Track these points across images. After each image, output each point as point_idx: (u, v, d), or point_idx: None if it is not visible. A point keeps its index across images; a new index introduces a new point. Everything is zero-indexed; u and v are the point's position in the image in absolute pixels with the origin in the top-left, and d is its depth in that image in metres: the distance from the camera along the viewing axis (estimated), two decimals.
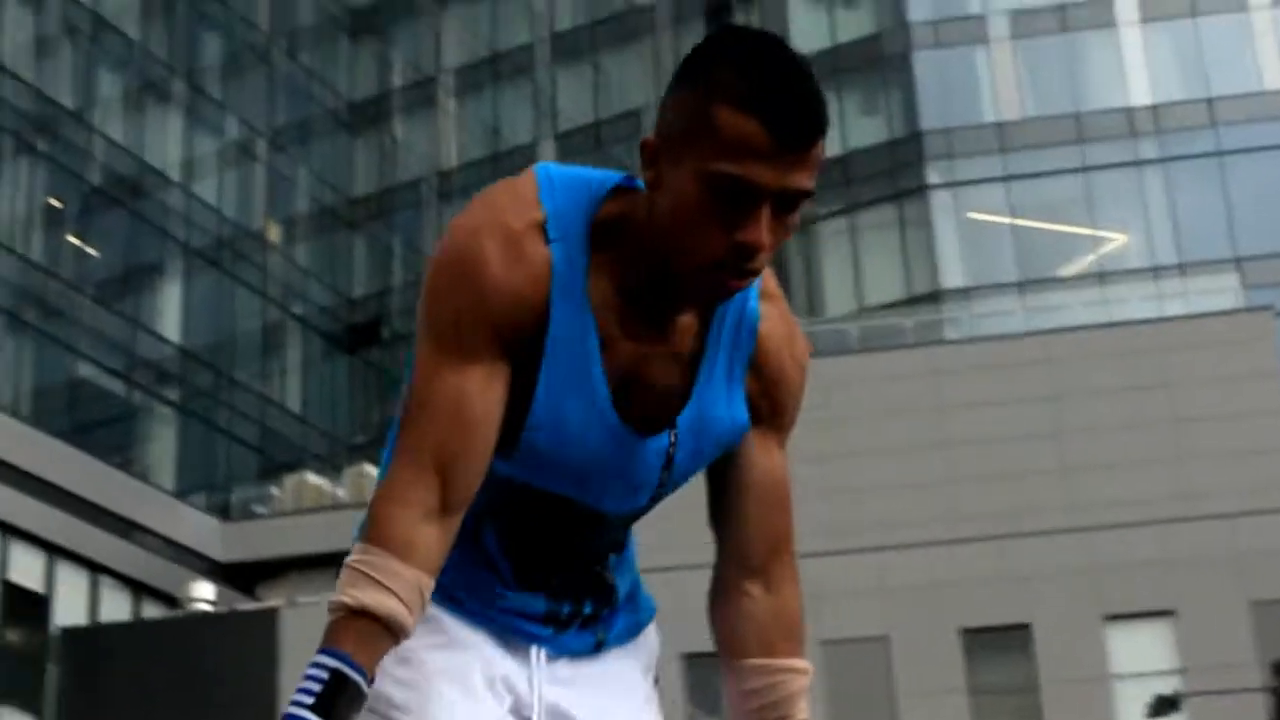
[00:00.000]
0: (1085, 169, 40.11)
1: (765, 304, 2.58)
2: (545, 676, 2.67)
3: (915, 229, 40.25)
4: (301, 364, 44.73)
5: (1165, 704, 11.25)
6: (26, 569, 34.66)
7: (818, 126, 2.31)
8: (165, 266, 42.36)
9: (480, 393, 2.41)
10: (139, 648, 32.50)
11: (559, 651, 2.68)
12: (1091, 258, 39.68)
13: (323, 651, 2.31)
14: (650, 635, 2.85)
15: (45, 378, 39.12)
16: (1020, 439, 31.16)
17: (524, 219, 2.45)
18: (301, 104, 47.10)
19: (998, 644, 29.55)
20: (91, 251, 40.83)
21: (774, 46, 2.35)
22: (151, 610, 36.32)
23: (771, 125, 2.29)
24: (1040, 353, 31.97)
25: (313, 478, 40.00)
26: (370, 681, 2.32)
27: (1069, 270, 39.64)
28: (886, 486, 31.31)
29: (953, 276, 39.46)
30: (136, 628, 34.63)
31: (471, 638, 2.62)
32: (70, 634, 33.08)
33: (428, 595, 2.38)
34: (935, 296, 38.87)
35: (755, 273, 2.37)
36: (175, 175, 43.00)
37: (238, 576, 38.03)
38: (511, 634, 2.65)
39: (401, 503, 2.37)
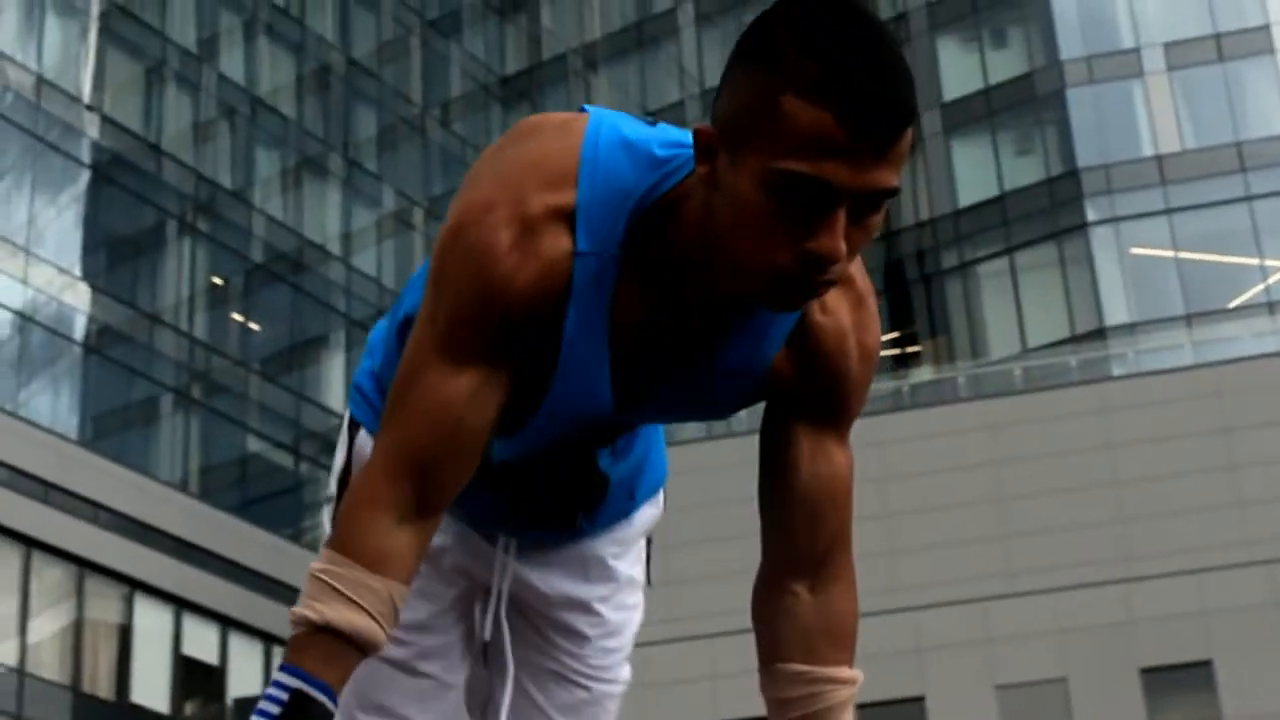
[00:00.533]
0: (1249, 198, 39.34)
1: (836, 291, 2.24)
2: (515, 555, 2.53)
3: (1076, 267, 39.68)
4: None
5: None
6: (201, 642, 35.05)
7: (904, 117, 1.96)
8: (328, 339, 42.82)
9: (471, 398, 2.16)
10: None
11: (531, 541, 2.53)
12: (1260, 287, 38.86)
13: (284, 669, 2.12)
14: (644, 514, 2.65)
15: (214, 454, 39.64)
16: (1193, 474, 30.50)
17: (547, 202, 2.14)
18: (456, 171, 47.45)
19: (1179, 682, 28.89)
20: (255, 327, 41.39)
21: (853, 18, 1.97)
22: None
23: (849, 118, 1.93)
24: (1210, 386, 31.31)
25: None
26: (335, 700, 2.11)
27: (1237, 301, 38.86)
28: (1058, 527, 30.77)
29: (1117, 313, 38.82)
30: None
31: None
32: (244, 704, 33.34)
33: (401, 604, 2.16)
34: (1100, 334, 38.26)
35: (829, 286, 2.03)
36: (335, 249, 43.50)
37: None
38: (480, 530, 2.50)
39: (373, 506, 2.13)
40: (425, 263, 2.30)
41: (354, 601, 2.12)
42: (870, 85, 1.92)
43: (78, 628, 33.27)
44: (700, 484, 32.36)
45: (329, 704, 2.11)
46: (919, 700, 29.34)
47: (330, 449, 41.29)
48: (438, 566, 2.57)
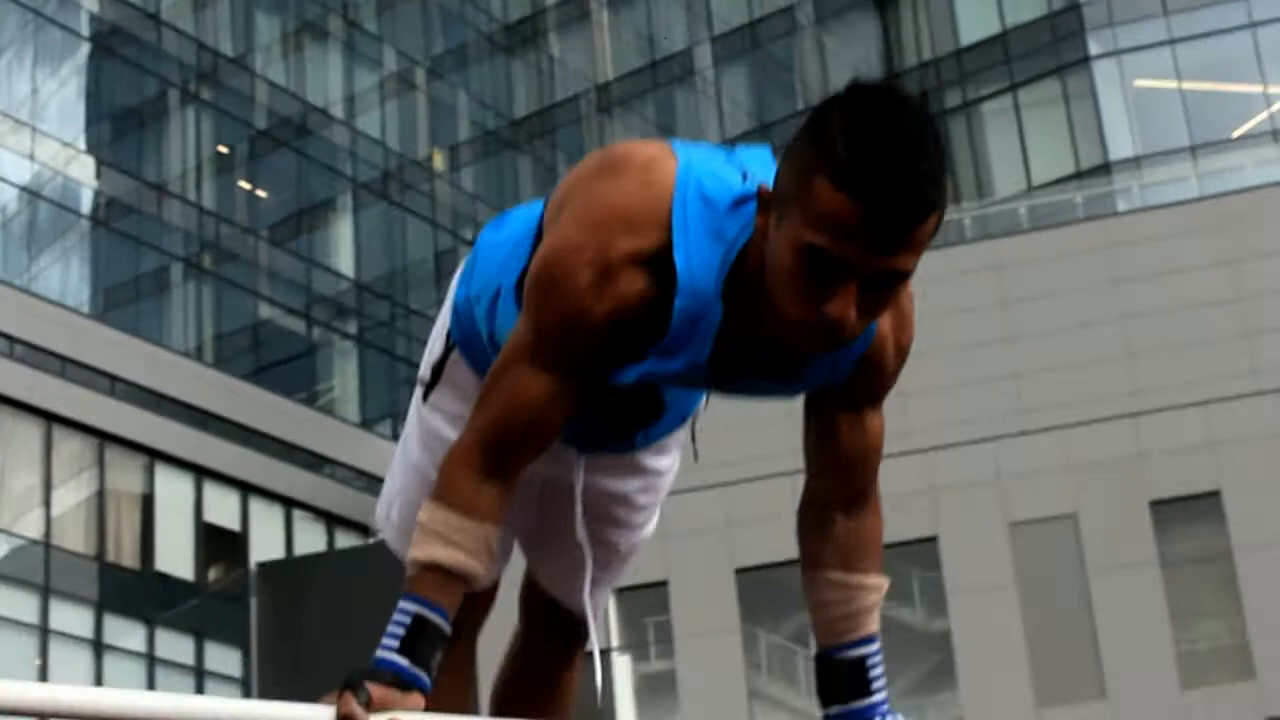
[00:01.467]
0: (1252, 25, 39.06)
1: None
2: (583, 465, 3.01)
3: (1080, 102, 39.51)
4: None
5: None
6: (222, 509, 35.46)
7: (922, 211, 2.22)
8: (335, 203, 42.91)
9: (547, 400, 2.59)
10: (334, 577, 33.10)
11: (592, 451, 3.00)
12: (1264, 115, 38.70)
13: (405, 597, 2.60)
14: (686, 426, 3.13)
15: (226, 321, 39.90)
16: (1201, 306, 30.60)
17: (627, 248, 2.51)
18: (457, 30, 47.25)
19: (1188, 513, 29.14)
20: (262, 194, 41.47)
21: (900, 113, 2.25)
22: (345, 540, 36.98)
23: (868, 210, 2.21)
24: (1216, 217, 31.31)
25: None
26: (448, 622, 2.59)
27: (1241, 130, 38.72)
28: (1067, 365, 30.92)
29: (1121, 147, 38.70)
30: (331, 558, 35.28)
31: None
32: (267, 568, 33.81)
33: (494, 543, 2.63)
34: (1105, 169, 38.18)
35: (844, 343, 2.41)
36: (338, 112, 43.45)
37: None
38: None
39: (466, 469, 2.61)
40: (489, 236, 2.88)
41: (454, 542, 2.59)
42: (893, 183, 2.20)
43: (100, 499, 33.68)
44: None
45: (443, 624, 2.59)
46: (932, 540, 29.65)
47: (342, 312, 41.57)
48: None
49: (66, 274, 37.44)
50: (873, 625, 2.83)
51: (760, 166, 2.59)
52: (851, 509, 2.86)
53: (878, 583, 2.85)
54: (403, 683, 2.59)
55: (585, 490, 3.05)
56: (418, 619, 2.59)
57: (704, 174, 2.55)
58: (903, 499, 29.67)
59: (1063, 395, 30.57)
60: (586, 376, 2.62)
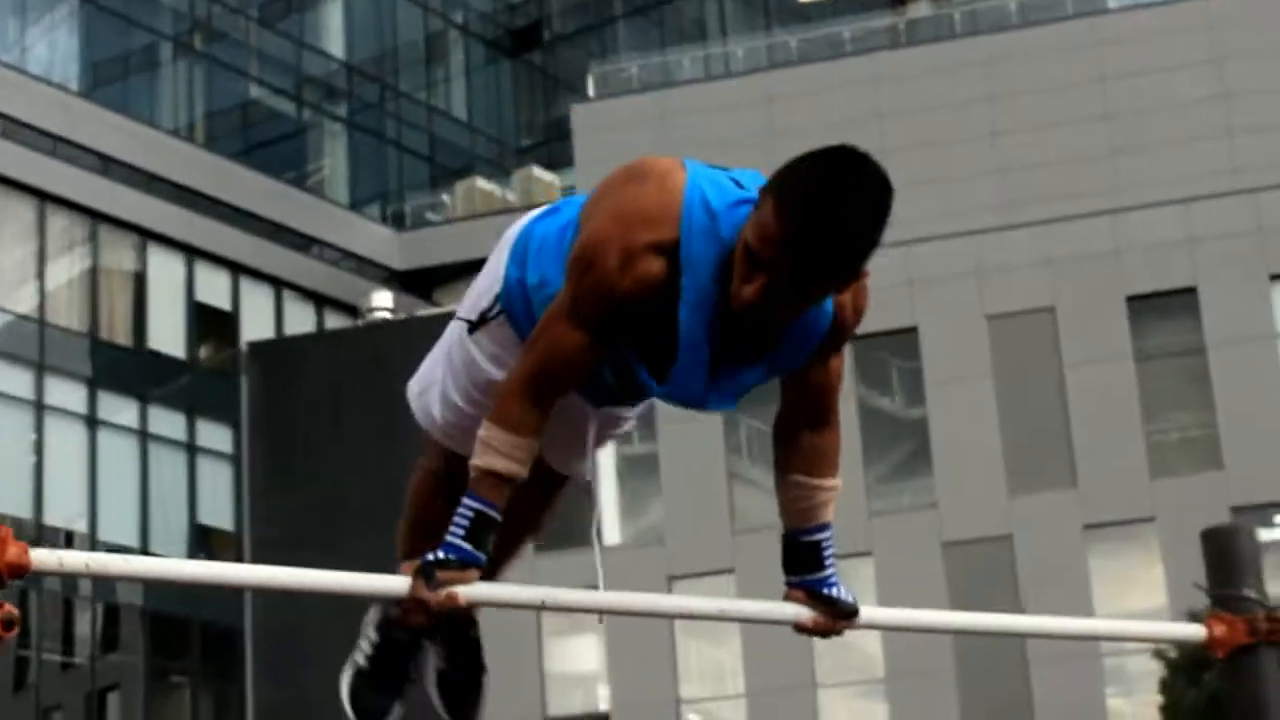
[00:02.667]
0: None
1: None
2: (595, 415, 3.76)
3: None
4: (465, 70, 45.03)
5: None
6: (213, 288, 35.79)
7: (846, 279, 3.18)
8: None
9: (581, 353, 3.34)
10: (324, 358, 33.54)
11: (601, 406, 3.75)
12: None
13: (467, 495, 3.38)
14: None
15: (216, 101, 39.95)
16: (1184, 105, 30.82)
17: (648, 239, 3.25)
18: None
19: (1163, 309, 29.61)
20: None
21: (856, 180, 3.08)
22: (334, 321, 37.39)
23: (796, 257, 3.07)
24: (1202, 17, 31.37)
25: (482, 183, 40.57)
26: (500, 513, 3.40)
27: None
28: (1050, 161, 31.21)
29: None
30: (321, 339, 35.72)
31: None
32: (258, 348, 34.19)
33: (535, 452, 3.42)
34: None
35: (743, 304, 3.16)
36: None
37: (415, 284, 38.93)
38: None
39: (516, 397, 3.39)
40: (542, 227, 3.60)
41: (506, 454, 3.38)
42: (828, 249, 3.07)
43: (92, 276, 34.00)
44: (698, 125, 32.83)
45: (496, 515, 3.39)
46: (912, 331, 30.15)
47: (331, 93, 41.60)
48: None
49: (54, 49, 37.40)
50: (827, 515, 3.65)
51: (751, 181, 3.35)
52: (815, 427, 3.58)
53: (834, 484, 3.63)
54: (464, 563, 3.35)
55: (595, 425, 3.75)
56: (479, 514, 3.37)
57: (707, 185, 3.31)
58: (883, 291, 30.11)
59: (1044, 190, 30.90)
60: (610, 339, 3.35)
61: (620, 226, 3.26)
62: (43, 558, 3.20)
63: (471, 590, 3.38)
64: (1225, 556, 4.31)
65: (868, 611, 3.75)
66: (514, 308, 3.62)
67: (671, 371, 3.38)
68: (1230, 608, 4.24)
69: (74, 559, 3.29)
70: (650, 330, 3.34)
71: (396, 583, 3.41)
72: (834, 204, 3.05)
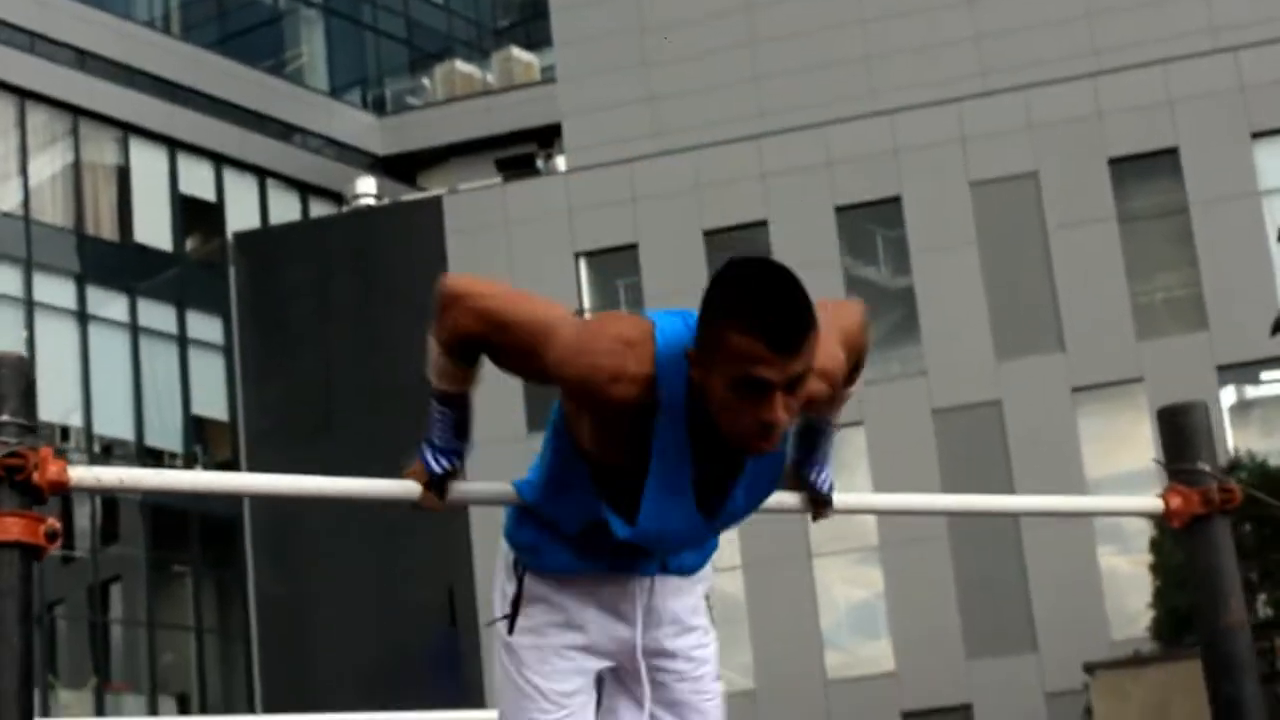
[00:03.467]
0: None
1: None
2: (642, 587, 3.76)
3: None
4: None
5: None
6: (197, 180, 35.83)
7: (806, 332, 3.23)
8: None
9: (529, 374, 3.51)
10: (310, 246, 33.59)
11: (645, 573, 3.75)
12: None
13: (437, 401, 3.63)
14: (707, 570, 3.90)
15: None
16: None
17: (634, 370, 3.38)
18: None
19: (1145, 171, 29.72)
20: None
21: (768, 273, 3.26)
22: (319, 209, 37.44)
23: (770, 342, 3.20)
24: None
25: (462, 66, 40.50)
26: (467, 402, 3.66)
27: None
28: (1029, 25, 31.23)
29: None
30: (306, 227, 35.78)
31: (581, 614, 3.77)
32: (244, 238, 34.23)
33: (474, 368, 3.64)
34: None
35: (777, 439, 3.32)
36: None
37: (398, 169, 38.96)
38: (615, 567, 3.72)
39: (459, 333, 3.57)
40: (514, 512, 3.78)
41: (459, 379, 3.63)
42: (780, 319, 3.21)
43: (76, 172, 34.00)
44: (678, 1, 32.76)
45: (465, 411, 3.65)
46: (896, 200, 30.26)
47: None
48: (587, 651, 3.80)
49: None
50: (836, 416, 3.87)
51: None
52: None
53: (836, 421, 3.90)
54: (459, 454, 3.67)
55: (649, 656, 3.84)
56: (449, 416, 3.64)
57: (671, 323, 3.45)
58: (867, 160, 30.22)
59: (1025, 55, 30.94)
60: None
61: (611, 358, 3.38)
62: (80, 475, 3.38)
63: (466, 488, 3.74)
64: (1180, 432, 4.51)
65: (842, 497, 4.01)
66: (532, 556, 3.76)
67: (642, 505, 3.49)
68: (1186, 480, 4.43)
69: (110, 475, 3.48)
70: (624, 462, 3.47)
71: (411, 486, 3.68)
72: (773, 291, 3.25)
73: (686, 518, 3.51)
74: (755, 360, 3.21)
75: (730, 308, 3.24)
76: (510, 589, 3.80)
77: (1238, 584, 4.45)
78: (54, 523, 3.35)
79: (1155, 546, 23.09)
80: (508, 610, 3.79)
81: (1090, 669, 19.55)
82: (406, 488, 3.66)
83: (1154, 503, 4.50)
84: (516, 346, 3.46)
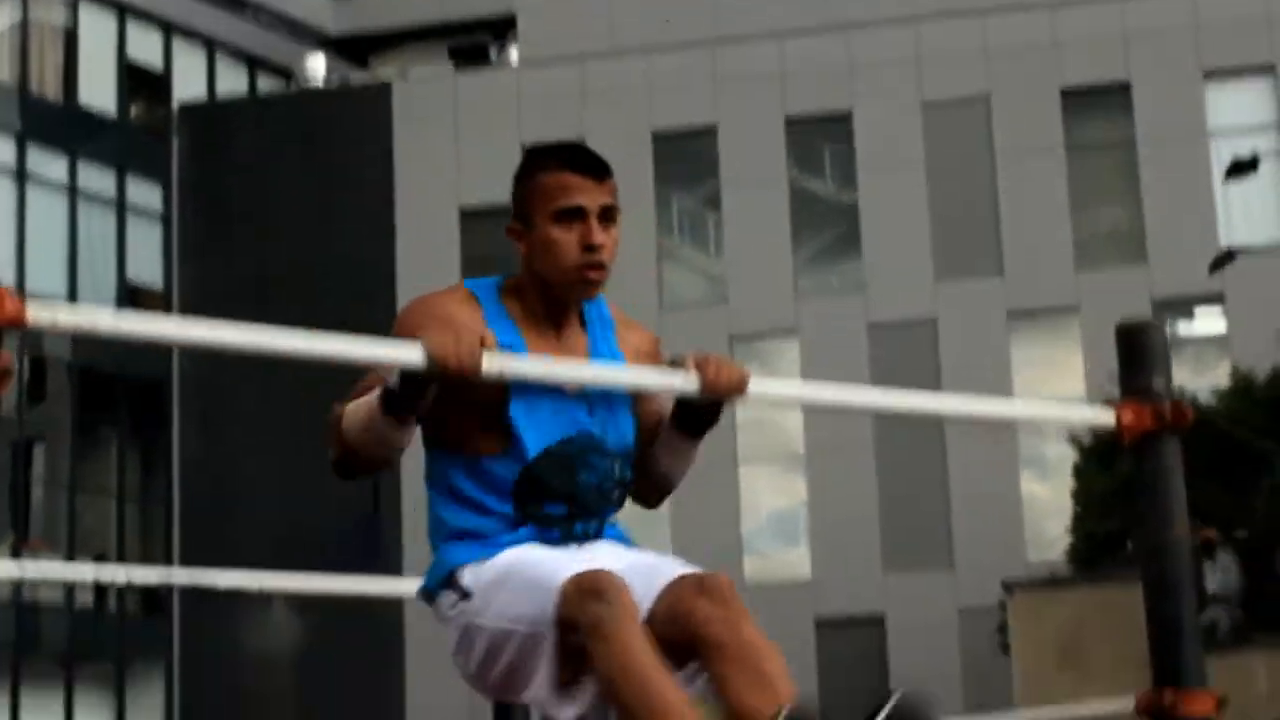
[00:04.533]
0: None
1: (615, 312, 3.90)
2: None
3: None
4: None
5: (1242, 166, 11.06)
6: (145, 46, 35.45)
7: (605, 166, 3.69)
8: None
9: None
10: (256, 121, 33.32)
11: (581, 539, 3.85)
12: None
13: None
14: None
15: None
16: None
17: (455, 294, 3.76)
18: None
19: (1097, 103, 29.81)
20: None
21: (565, 142, 3.79)
22: (266, 84, 37.15)
23: (577, 168, 3.66)
24: None
25: None
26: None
27: None
28: None
29: None
30: (253, 103, 35.46)
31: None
32: (189, 109, 33.92)
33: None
34: None
35: (604, 265, 3.68)
36: None
37: (350, 49, 38.59)
38: (551, 539, 3.76)
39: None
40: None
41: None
42: (582, 153, 3.71)
43: (23, 30, 33.59)
44: None
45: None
46: (847, 115, 30.26)
47: None
48: None
49: None
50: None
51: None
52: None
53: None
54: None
55: None
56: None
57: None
58: (820, 73, 30.20)
59: None
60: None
61: (430, 298, 3.77)
62: (38, 314, 3.16)
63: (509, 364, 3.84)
64: (1137, 350, 4.50)
65: (768, 384, 4.12)
66: (472, 551, 3.72)
67: (514, 420, 3.66)
68: (1139, 397, 4.46)
69: (69, 317, 3.25)
70: (487, 408, 3.66)
71: (416, 353, 3.52)
72: (573, 145, 3.79)
73: (553, 400, 3.67)
74: (567, 188, 3.65)
75: (537, 161, 3.72)
76: (459, 600, 3.70)
77: (1184, 503, 4.47)
78: (8, 359, 3.22)
79: (1079, 473, 23.32)
80: (463, 598, 3.71)
81: (1009, 588, 19.74)
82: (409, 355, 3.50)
83: (1106, 415, 4.46)
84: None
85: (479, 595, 3.62)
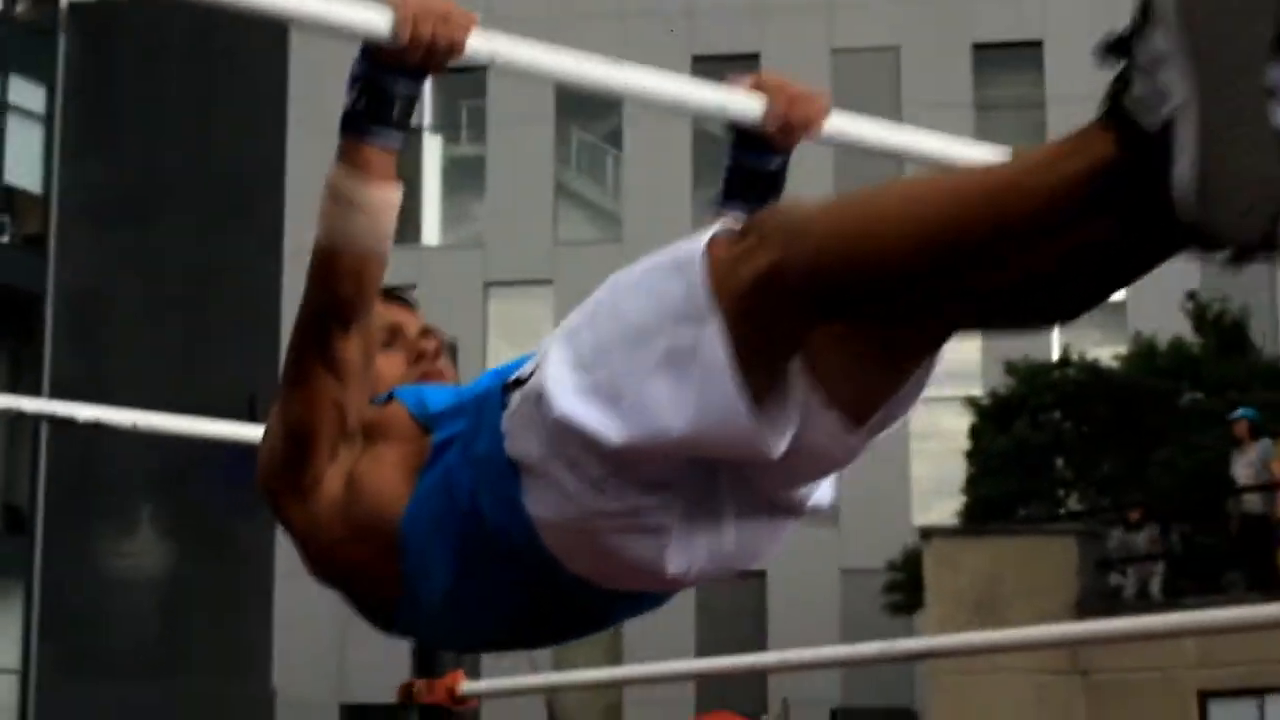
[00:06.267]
0: None
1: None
2: None
3: None
4: None
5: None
6: None
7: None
8: None
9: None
10: (147, 25, 32.51)
11: None
12: None
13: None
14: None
15: None
16: None
17: None
18: None
19: (1008, 61, 29.61)
20: None
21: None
22: None
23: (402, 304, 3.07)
24: None
25: None
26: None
27: None
28: None
29: None
30: (146, 4, 34.50)
31: None
32: (78, 8, 33.06)
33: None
34: None
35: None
36: None
37: None
38: None
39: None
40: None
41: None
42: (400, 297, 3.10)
43: None
44: None
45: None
46: (754, 57, 29.76)
47: None
48: None
49: None
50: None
51: None
52: None
53: None
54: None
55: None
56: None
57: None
58: (729, 12, 29.75)
59: None
60: None
61: None
62: None
63: None
64: None
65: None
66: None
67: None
68: None
69: None
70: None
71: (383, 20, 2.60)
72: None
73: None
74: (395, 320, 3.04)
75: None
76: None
77: None
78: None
79: (974, 433, 23.05)
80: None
81: (926, 534, 19.31)
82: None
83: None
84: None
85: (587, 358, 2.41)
